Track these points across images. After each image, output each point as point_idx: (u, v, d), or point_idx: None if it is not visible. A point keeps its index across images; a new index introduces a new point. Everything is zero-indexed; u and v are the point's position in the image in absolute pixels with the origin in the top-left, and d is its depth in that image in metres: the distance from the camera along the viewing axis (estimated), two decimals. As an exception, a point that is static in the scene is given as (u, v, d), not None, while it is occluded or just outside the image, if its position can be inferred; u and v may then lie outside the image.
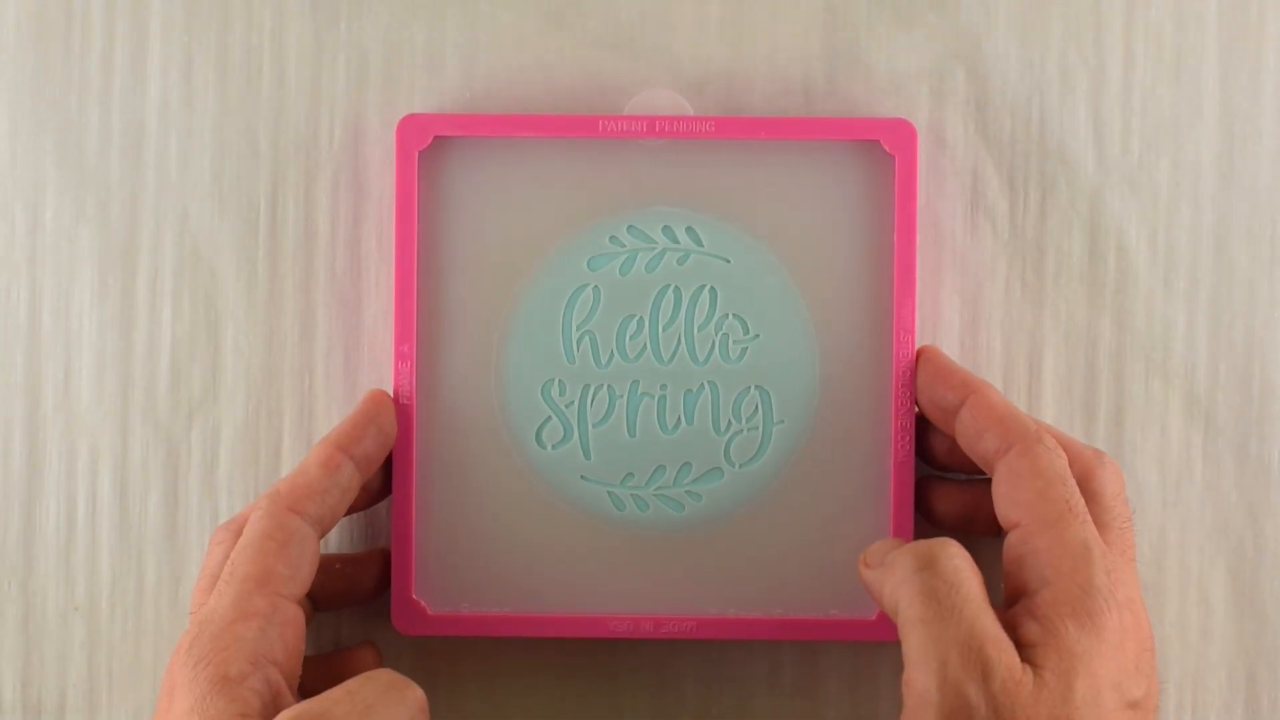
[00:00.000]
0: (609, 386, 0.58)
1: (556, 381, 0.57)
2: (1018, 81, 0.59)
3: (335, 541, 0.58)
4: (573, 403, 0.58)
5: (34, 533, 0.59)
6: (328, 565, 0.56)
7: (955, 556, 0.49)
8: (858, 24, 0.59)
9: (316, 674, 0.54)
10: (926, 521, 0.57)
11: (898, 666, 0.59)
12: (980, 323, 0.59)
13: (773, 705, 0.59)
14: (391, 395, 0.56)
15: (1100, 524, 0.52)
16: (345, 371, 0.59)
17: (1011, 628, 0.49)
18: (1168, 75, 0.59)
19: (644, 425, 0.58)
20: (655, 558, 0.58)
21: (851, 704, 0.58)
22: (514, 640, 0.58)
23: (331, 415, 0.58)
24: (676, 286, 0.58)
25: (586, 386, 0.58)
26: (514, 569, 0.58)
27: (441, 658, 0.57)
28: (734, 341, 0.57)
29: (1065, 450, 0.52)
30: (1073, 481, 0.51)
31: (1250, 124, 0.59)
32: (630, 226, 0.58)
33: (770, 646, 0.59)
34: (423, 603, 0.57)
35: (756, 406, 0.58)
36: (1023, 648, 0.48)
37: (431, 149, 0.57)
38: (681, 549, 0.58)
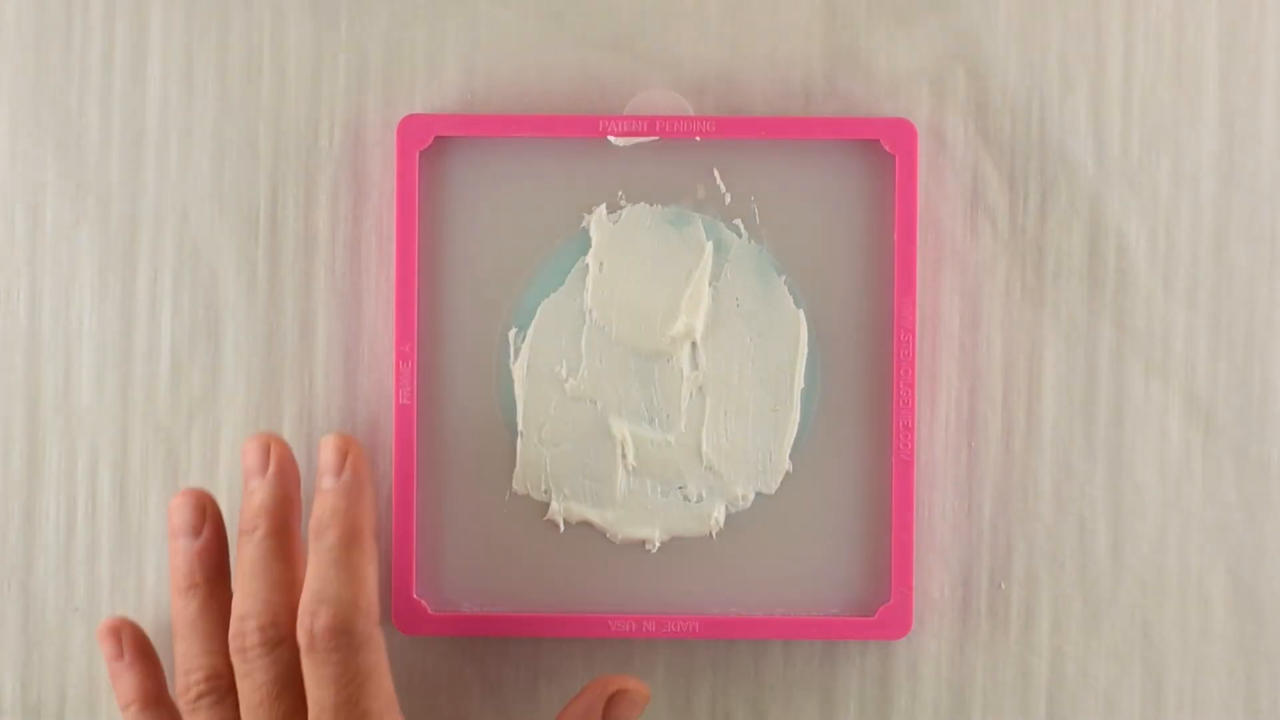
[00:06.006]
0: (609, 386, 0.58)
1: (557, 381, 0.58)
2: (1018, 81, 0.59)
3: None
4: (573, 403, 0.58)
5: (34, 533, 0.59)
6: None
7: None
8: (858, 24, 0.59)
9: None
10: None
11: (899, 664, 0.59)
12: (980, 323, 0.59)
13: (775, 704, 0.59)
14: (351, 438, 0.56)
15: None
16: (345, 371, 0.59)
17: None
18: (1168, 75, 0.59)
19: (644, 425, 0.58)
20: (658, 557, 0.58)
21: (858, 703, 0.58)
22: (515, 640, 0.58)
23: (331, 415, 0.58)
24: (677, 286, 0.58)
25: (587, 386, 0.58)
26: (516, 568, 0.58)
27: (442, 658, 0.57)
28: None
29: None
30: None
31: (1250, 124, 0.59)
32: (631, 226, 0.58)
33: (772, 646, 0.59)
34: (423, 603, 0.57)
35: (757, 406, 0.58)
36: None
37: (432, 149, 0.57)
38: (684, 549, 0.58)
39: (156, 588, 0.59)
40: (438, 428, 0.57)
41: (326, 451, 0.55)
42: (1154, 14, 0.59)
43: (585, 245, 0.58)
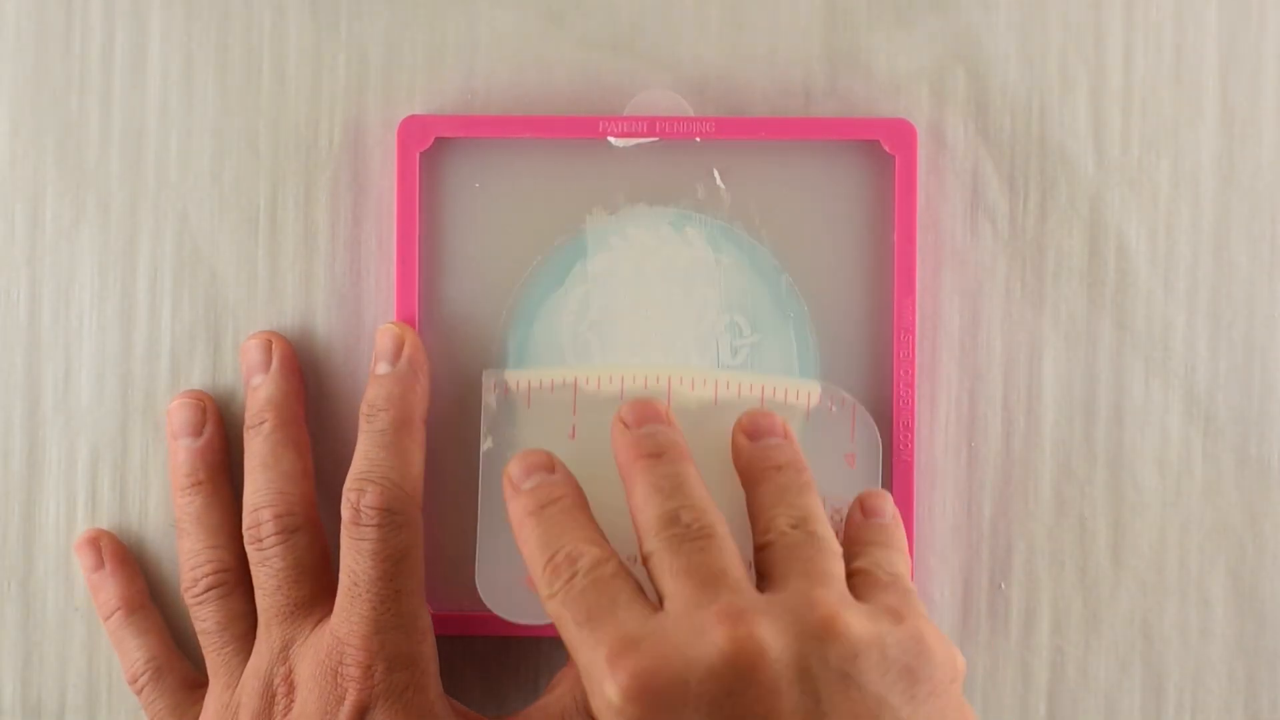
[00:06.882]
0: (609, 386, 0.58)
1: (557, 382, 0.58)
2: (1018, 81, 0.59)
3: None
4: (573, 403, 0.58)
5: (34, 533, 0.59)
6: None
7: None
8: (858, 24, 0.59)
9: None
10: None
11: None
12: (980, 323, 0.59)
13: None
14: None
15: None
16: (345, 371, 0.59)
17: None
18: (1168, 75, 0.59)
19: (644, 425, 0.58)
20: (656, 558, 0.58)
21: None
22: (515, 640, 0.58)
23: (331, 415, 0.58)
24: (677, 287, 0.58)
25: (587, 386, 0.58)
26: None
27: (442, 658, 0.57)
28: (734, 342, 0.57)
29: None
30: None
31: (1250, 124, 0.59)
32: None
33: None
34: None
35: (757, 407, 0.58)
36: None
37: (432, 150, 0.57)
38: (682, 549, 0.58)
39: (156, 587, 0.59)
40: (437, 427, 0.57)
41: (383, 339, 0.56)
42: (1154, 14, 0.59)
43: (584, 246, 0.58)
